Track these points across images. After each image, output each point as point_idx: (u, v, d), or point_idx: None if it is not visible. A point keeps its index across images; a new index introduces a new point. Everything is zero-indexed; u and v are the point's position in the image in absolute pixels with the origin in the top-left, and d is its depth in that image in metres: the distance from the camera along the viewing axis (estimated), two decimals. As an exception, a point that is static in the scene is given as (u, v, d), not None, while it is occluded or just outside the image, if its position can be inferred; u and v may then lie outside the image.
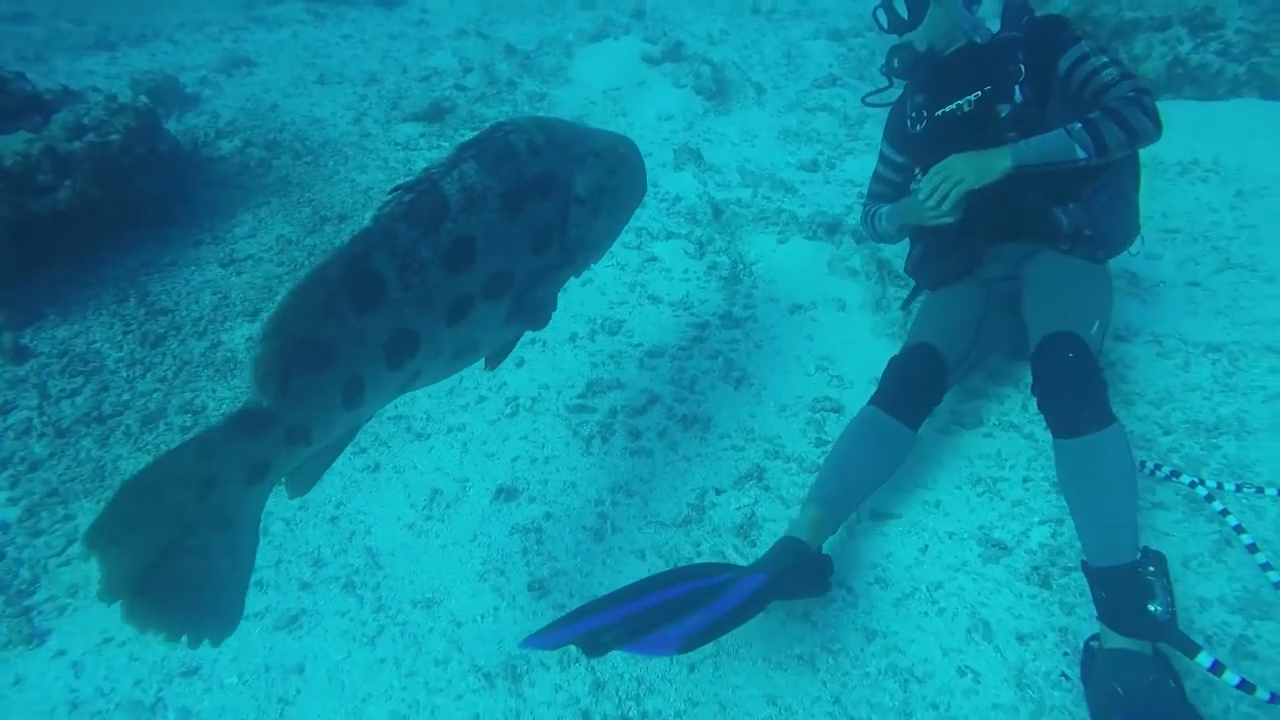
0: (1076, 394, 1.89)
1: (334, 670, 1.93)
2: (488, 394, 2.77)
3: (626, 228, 2.18)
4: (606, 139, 1.89)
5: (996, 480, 2.26)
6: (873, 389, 2.22)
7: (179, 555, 1.30)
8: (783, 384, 2.73)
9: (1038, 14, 2.32)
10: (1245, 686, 1.55)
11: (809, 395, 2.65)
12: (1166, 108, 4.20)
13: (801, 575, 1.80)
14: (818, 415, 2.56)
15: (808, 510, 1.95)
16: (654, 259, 3.42)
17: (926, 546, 2.10)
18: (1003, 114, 2.20)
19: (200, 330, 3.08)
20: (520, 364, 2.88)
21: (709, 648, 1.86)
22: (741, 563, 2.09)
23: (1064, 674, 1.76)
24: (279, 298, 1.40)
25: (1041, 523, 2.10)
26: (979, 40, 2.24)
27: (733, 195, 3.91)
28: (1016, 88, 2.18)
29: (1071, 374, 1.93)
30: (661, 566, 2.11)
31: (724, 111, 4.95)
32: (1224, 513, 1.94)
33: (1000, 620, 1.89)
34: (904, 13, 2.22)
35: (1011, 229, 2.30)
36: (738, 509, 2.26)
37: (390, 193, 1.49)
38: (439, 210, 1.47)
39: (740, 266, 3.36)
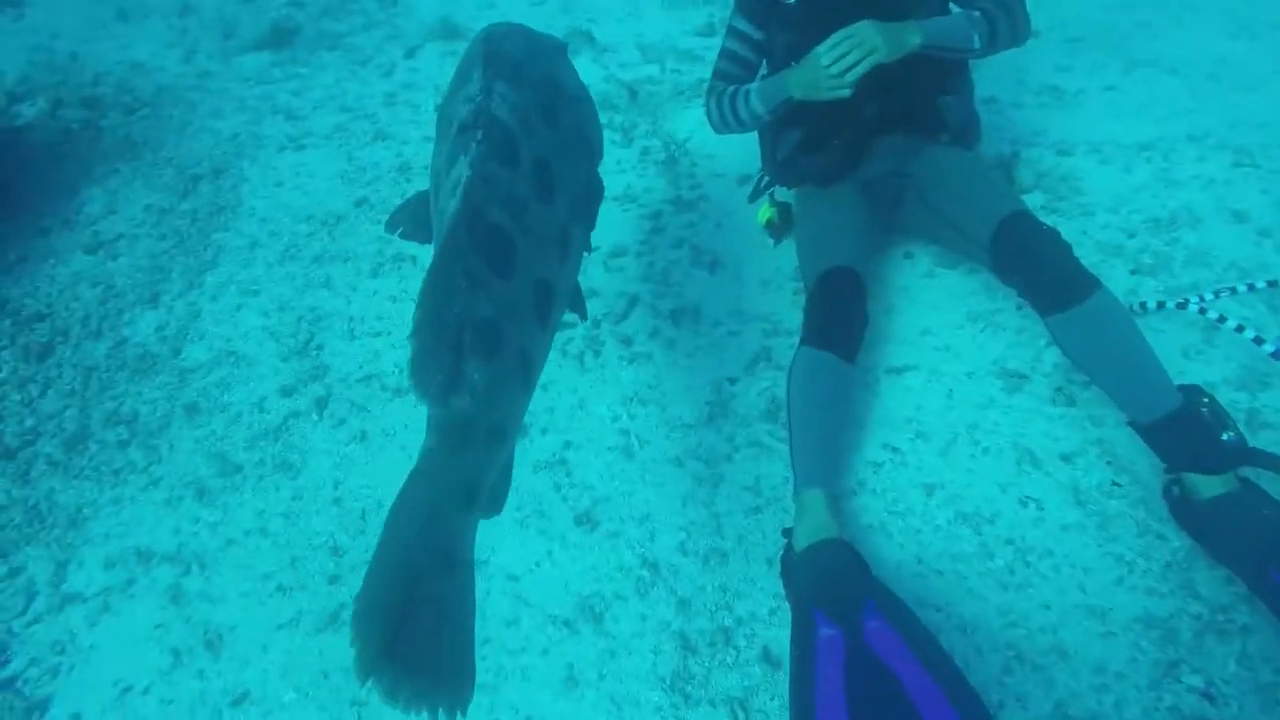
0: (1064, 264, 1.88)
1: (397, 658, 1.79)
2: (456, 333, 2.54)
3: None
4: (543, 34, 1.68)
5: (994, 313, 2.29)
6: None
7: (418, 609, 1.07)
8: (757, 259, 2.64)
9: None
10: None
11: (788, 266, 2.58)
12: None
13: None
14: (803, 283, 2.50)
15: (809, 498, 1.77)
16: (582, 156, 3.18)
17: (951, 391, 2.12)
18: None
19: (95, 329, 2.64)
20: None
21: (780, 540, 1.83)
22: (780, 446, 2.05)
23: (1115, 482, 1.84)
24: (419, 288, 1.14)
25: (1048, 345, 2.14)
26: None
27: (641, 74, 3.67)
28: None
29: (1051, 246, 1.91)
30: (702, 470, 2.05)
31: (597, -15, 4.59)
32: (1221, 319, 2.02)
33: (1042, 446, 1.95)
34: None
35: (898, 119, 2.20)
36: (758, 394, 2.21)
37: (458, 135, 1.24)
38: (510, 139, 1.23)
39: (674, 146, 3.18)
